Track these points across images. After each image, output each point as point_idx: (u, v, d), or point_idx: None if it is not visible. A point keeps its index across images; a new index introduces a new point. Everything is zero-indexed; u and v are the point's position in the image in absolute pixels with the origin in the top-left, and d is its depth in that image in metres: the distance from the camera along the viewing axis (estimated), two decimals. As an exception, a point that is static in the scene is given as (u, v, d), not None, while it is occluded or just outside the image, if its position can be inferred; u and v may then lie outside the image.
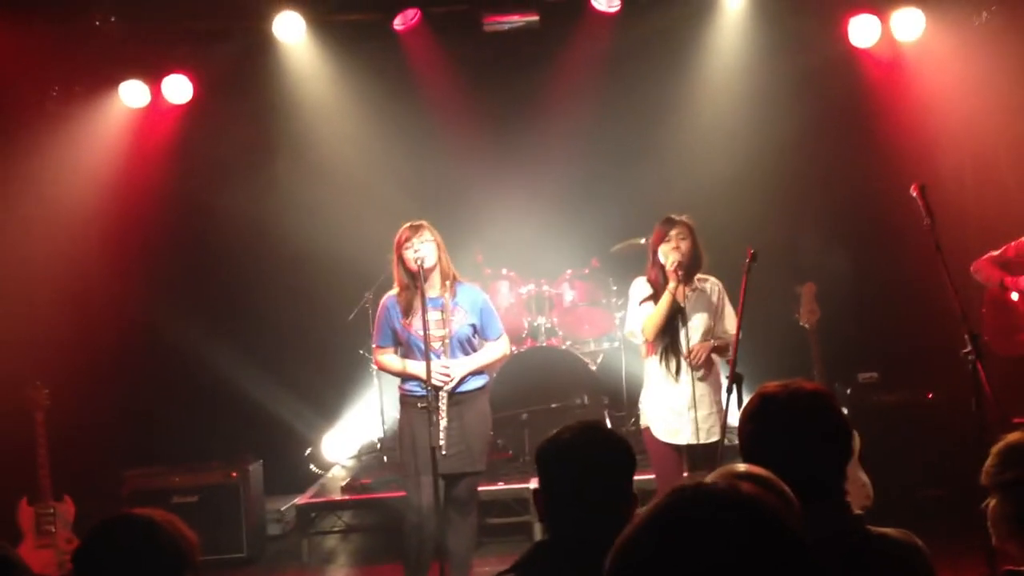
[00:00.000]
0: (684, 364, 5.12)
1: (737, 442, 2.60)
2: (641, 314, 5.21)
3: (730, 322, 5.24)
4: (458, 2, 7.67)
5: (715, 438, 5.12)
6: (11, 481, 6.64)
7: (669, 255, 5.09)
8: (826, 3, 7.27)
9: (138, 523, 2.21)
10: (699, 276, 5.23)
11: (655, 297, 5.19)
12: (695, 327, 5.16)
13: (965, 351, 4.13)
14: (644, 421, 5.28)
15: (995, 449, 2.62)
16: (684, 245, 5.11)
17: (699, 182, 7.43)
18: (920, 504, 5.77)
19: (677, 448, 5.15)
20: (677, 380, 5.14)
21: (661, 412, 5.18)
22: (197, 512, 6.38)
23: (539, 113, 7.93)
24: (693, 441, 5.11)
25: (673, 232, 5.13)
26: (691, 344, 5.12)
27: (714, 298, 5.26)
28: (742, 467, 2.11)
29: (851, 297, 7.30)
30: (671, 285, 5.07)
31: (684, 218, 5.19)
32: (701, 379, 5.15)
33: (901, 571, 2.37)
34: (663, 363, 5.18)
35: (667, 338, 5.15)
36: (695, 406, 5.09)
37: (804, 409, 2.47)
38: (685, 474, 5.20)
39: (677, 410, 5.13)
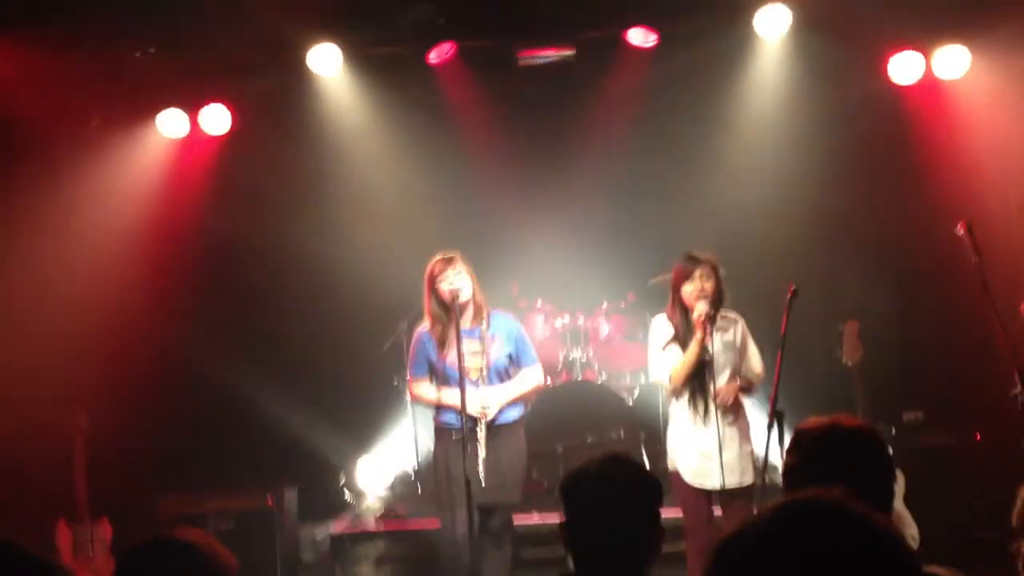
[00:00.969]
0: (712, 407, 4.96)
1: (779, 480, 2.57)
2: (667, 361, 5.07)
3: (755, 360, 5.15)
4: (493, 36, 7.69)
5: (748, 481, 4.99)
6: (51, 503, 6.69)
7: (697, 304, 4.92)
8: (867, 39, 7.20)
9: (178, 545, 2.20)
10: (720, 313, 5.07)
11: (678, 339, 5.04)
12: (721, 368, 5.03)
13: (1015, 391, 4.05)
14: (672, 465, 5.13)
15: (1022, 492, 2.61)
16: (708, 286, 4.95)
17: (738, 216, 7.39)
18: (967, 546, 5.63)
19: (706, 493, 5.01)
20: (706, 424, 4.98)
21: (689, 456, 5.03)
22: (232, 538, 6.35)
23: (575, 146, 7.94)
24: (728, 485, 4.94)
25: (697, 272, 4.96)
26: (718, 386, 4.97)
27: (738, 337, 5.13)
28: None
29: (895, 336, 7.21)
30: (698, 335, 4.91)
31: (708, 256, 5.03)
32: (730, 422, 5.02)
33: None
34: (691, 406, 5.03)
35: (695, 382, 5.01)
36: (724, 449, 4.93)
37: (847, 444, 2.44)
38: (717, 515, 5.11)
39: (706, 453, 4.97)
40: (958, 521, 5.96)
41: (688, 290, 4.98)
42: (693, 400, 5.03)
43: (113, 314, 7.42)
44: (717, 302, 5.00)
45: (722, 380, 5.02)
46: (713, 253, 5.07)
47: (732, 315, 5.16)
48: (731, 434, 5.01)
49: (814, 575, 1.23)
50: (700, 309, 4.90)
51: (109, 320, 7.36)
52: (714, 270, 4.99)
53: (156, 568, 2.17)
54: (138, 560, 2.20)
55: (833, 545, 1.24)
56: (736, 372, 5.10)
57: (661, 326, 5.14)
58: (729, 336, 5.10)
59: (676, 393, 5.09)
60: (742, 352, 5.13)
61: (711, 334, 4.96)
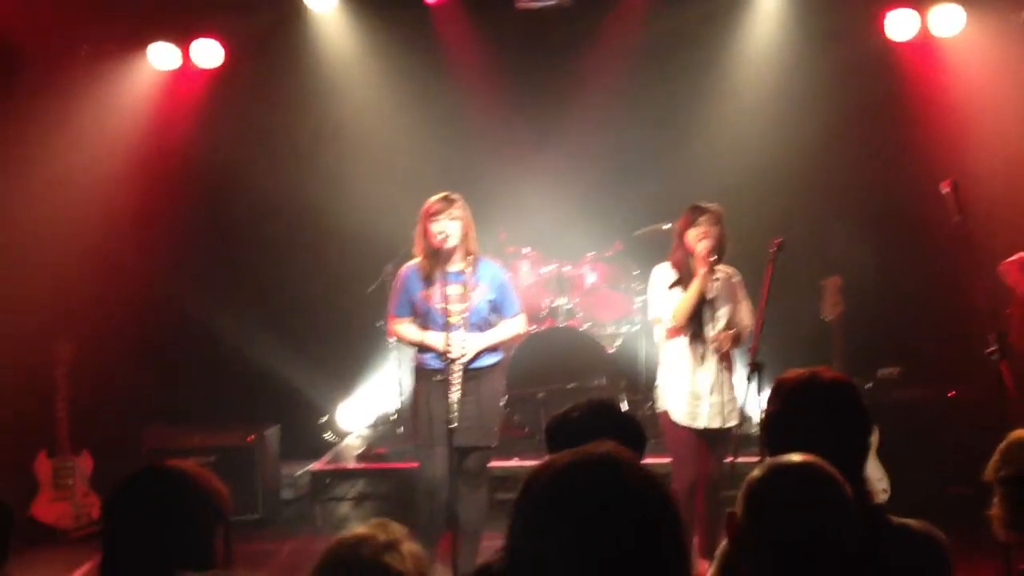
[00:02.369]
0: (708, 350, 5.18)
1: (755, 430, 2.63)
2: (670, 300, 5.22)
3: (745, 313, 5.31)
4: (493, -22, 7.63)
5: (732, 423, 5.21)
6: (32, 434, 6.73)
7: (701, 242, 5.09)
8: (864, -5, 7.19)
9: (172, 474, 2.23)
10: (720, 266, 5.24)
11: (681, 282, 5.21)
12: (719, 315, 5.22)
13: (990, 350, 4.11)
14: (662, 405, 5.32)
15: (1000, 447, 2.68)
16: (714, 232, 5.12)
17: (728, 171, 7.39)
18: (938, 501, 5.73)
19: (695, 431, 5.19)
20: (702, 365, 5.18)
21: (681, 396, 5.21)
22: (213, 472, 6.41)
23: (569, 95, 7.89)
24: (711, 425, 5.17)
25: (703, 219, 5.13)
26: (714, 331, 5.17)
27: (734, 288, 5.32)
28: (798, 457, 2.11)
29: (876, 292, 7.26)
30: (702, 271, 5.09)
31: (713, 206, 5.19)
32: (722, 368, 5.21)
33: (920, 560, 2.38)
34: (689, 348, 5.20)
35: (694, 324, 5.18)
36: (714, 392, 5.15)
37: (825, 396, 2.49)
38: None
39: (698, 395, 5.18)
40: (929, 476, 6.04)
41: (693, 235, 5.15)
42: (692, 342, 5.20)
43: (100, 246, 7.41)
44: (721, 246, 5.15)
45: (719, 326, 5.21)
46: (719, 204, 5.22)
47: (730, 269, 5.34)
48: (722, 379, 5.21)
49: (587, 511, 1.48)
50: (703, 246, 5.09)
51: (96, 252, 7.36)
52: (719, 219, 5.17)
53: (151, 496, 2.20)
54: (133, 489, 2.23)
55: (602, 488, 1.50)
56: (731, 322, 5.26)
57: (664, 271, 5.32)
58: (727, 286, 5.27)
59: (676, 332, 5.23)
60: (736, 303, 5.30)
61: (711, 276, 5.13)
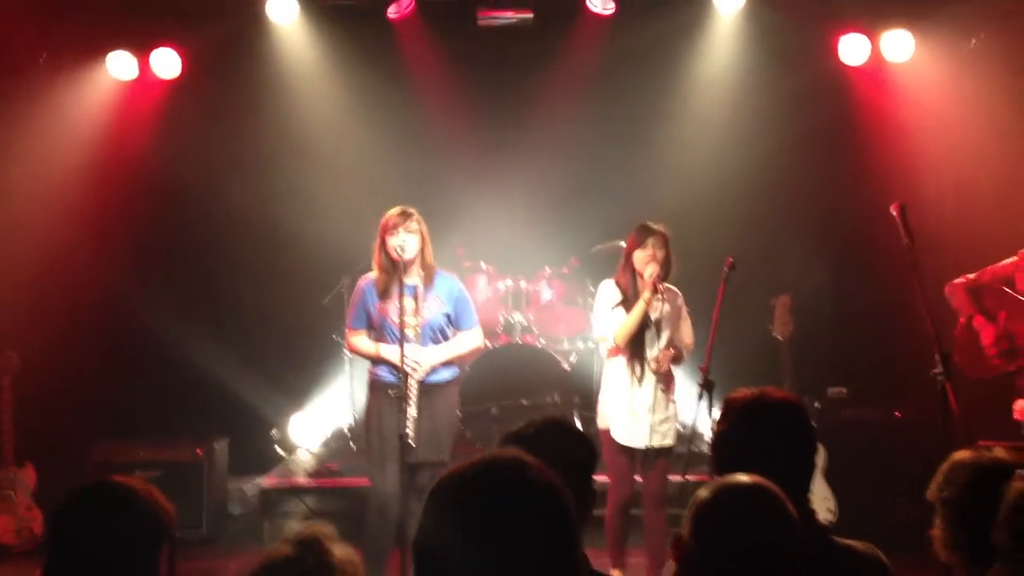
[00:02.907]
0: (647, 369, 5.24)
1: (707, 448, 2.66)
2: (613, 319, 5.28)
3: (686, 332, 5.40)
4: (454, -7, 7.66)
5: (669, 442, 5.26)
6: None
7: (648, 265, 5.17)
8: (818, 20, 7.33)
9: (118, 490, 2.20)
10: (663, 286, 5.29)
11: (625, 302, 5.27)
12: (662, 335, 5.30)
13: (935, 371, 4.18)
14: (602, 423, 5.35)
15: (942, 467, 2.72)
16: (660, 255, 5.20)
17: (684, 189, 7.47)
18: (883, 521, 5.80)
19: (631, 451, 5.25)
20: (640, 384, 5.24)
21: (620, 415, 5.26)
22: (160, 487, 6.27)
23: (528, 110, 7.93)
24: (648, 445, 5.21)
25: (650, 240, 5.21)
26: (655, 351, 5.25)
27: (676, 308, 5.39)
28: (745, 478, 2.13)
29: (826, 312, 7.36)
30: (646, 295, 5.17)
31: (661, 227, 5.26)
32: (661, 387, 5.27)
33: (864, 582, 2.40)
34: (628, 367, 5.26)
35: (635, 344, 5.25)
36: (653, 410, 5.19)
37: (773, 416, 2.52)
38: (637, 477, 5.36)
39: (637, 413, 5.22)
40: (876, 497, 6.11)
41: (640, 256, 5.22)
42: (631, 361, 5.26)
43: (51, 255, 7.31)
44: (666, 269, 5.23)
45: (660, 345, 5.27)
46: (665, 225, 5.28)
47: (674, 289, 5.40)
48: (661, 398, 5.25)
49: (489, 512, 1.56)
50: (651, 270, 5.15)
51: (46, 260, 7.26)
52: (665, 241, 5.23)
53: (96, 513, 2.17)
54: (78, 504, 2.19)
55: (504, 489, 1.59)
56: (671, 341, 5.32)
57: (609, 289, 5.37)
58: (669, 306, 5.31)
59: (617, 352, 5.29)
60: (677, 323, 5.36)
61: (658, 298, 5.18)
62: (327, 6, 7.59)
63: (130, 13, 7.40)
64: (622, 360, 5.29)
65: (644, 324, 5.23)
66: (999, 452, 2.85)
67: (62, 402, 7.19)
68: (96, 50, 7.47)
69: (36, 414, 6.80)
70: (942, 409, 4.12)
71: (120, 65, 7.51)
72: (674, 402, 5.34)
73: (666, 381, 5.31)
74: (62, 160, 7.42)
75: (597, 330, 5.43)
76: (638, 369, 5.25)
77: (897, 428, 6.49)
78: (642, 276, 5.20)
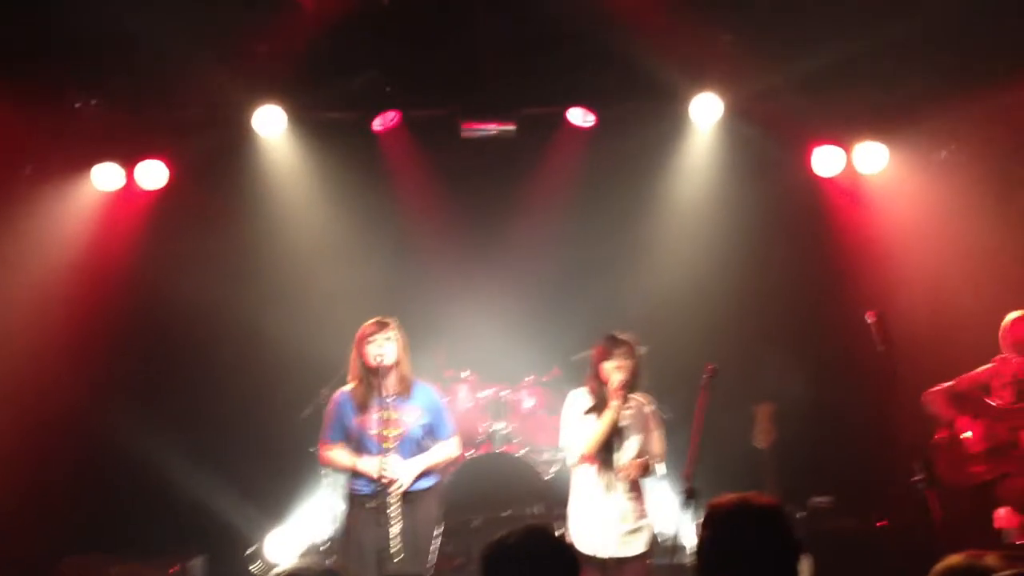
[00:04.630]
0: (616, 479, 5.22)
1: (690, 559, 2.66)
2: (582, 428, 5.28)
3: (656, 442, 5.38)
4: (438, 107, 7.83)
5: (640, 550, 5.20)
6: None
7: (613, 374, 5.21)
8: (793, 132, 7.50)
9: None
10: (633, 395, 5.34)
11: (595, 409, 5.29)
12: (629, 444, 5.29)
13: (915, 479, 4.17)
14: (569, 536, 5.29)
15: (933, 570, 2.68)
16: (627, 364, 5.23)
17: (663, 296, 7.54)
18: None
19: (600, 561, 5.15)
20: (608, 495, 5.21)
21: (588, 525, 5.21)
22: None
23: (511, 220, 8.04)
24: (618, 554, 5.15)
25: (617, 352, 5.26)
26: (624, 460, 5.23)
27: (646, 418, 5.39)
28: None
29: (808, 419, 7.33)
30: (614, 404, 5.19)
31: (627, 337, 5.31)
32: (630, 497, 5.24)
33: None
34: (597, 476, 5.24)
35: (603, 453, 5.25)
36: (621, 520, 5.17)
37: (755, 522, 2.52)
38: None
39: (606, 523, 5.16)
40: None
41: (607, 367, 5.26)
42: (600, 470, 5.24)
43: (27, 365, 7.24)
44: (634, 378, 5.25)
45: (628, 455, 5.25)
46: (634, 335, 5.34)
47: (644, 398, 5.42)
48: (630, 508, 5.22)
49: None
50: (617, 378, 5.19)
51: (22, 371, 7.18)
52: (632, 351, 5.28)
53: None
54: None
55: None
56: (642, 451, 5.31)
57: (578, 398, 5.40)
58: (639, 416, 5.34)
59: (585, 461, 5.27)
60: (646, 433, 5.35)
61: (624, 407, 5.21)
62: (314, 119, 7.74)
63: (117, 126, 7.50)
64: (591, 469, 5.27)
65: (612, 432, 5.23)
66: (991, 559, 2.80)
67: (35, 518, 7.03)
68: (82, 162, 7.54)
69: (9, 530, 6.65)
70: (924, 517, 4.10)
71: (106, 176, 7.57)
72: (646, 514, 5.28)
73: (636, 491, 5.28)
74: (44, 270, 7.42)
75: (563, 440, 5.41)
76: (605, 478, 5.22)
77: (881, 537, 6.44)
78: (609, 387, 5.22)
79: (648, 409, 5.41)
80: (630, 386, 5.23)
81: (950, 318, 7.10)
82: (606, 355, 5.28)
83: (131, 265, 7.77)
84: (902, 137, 7.37)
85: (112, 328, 7.81)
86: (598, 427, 5.21)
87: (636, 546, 5.18)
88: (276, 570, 7.24)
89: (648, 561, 5.28)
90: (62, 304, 7.55)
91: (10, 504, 6.75)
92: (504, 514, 6.79)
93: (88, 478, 7.60)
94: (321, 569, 1.88)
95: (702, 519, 2.64)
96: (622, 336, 5.30)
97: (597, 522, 5.18)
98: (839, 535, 6.42)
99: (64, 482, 7.44)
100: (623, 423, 5.25)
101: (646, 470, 5.30)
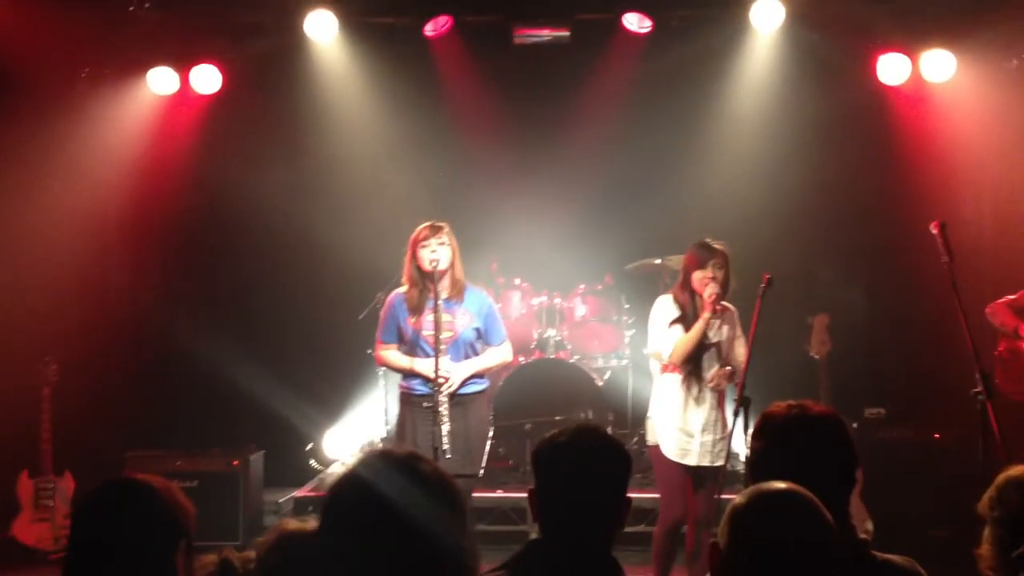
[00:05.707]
0: (705, 389, 5.14)
1: (740, 468, 2.62)
2: (670, 337, 5.17)
3: (740, 350, 5.25)
4: (490, 12, 7.71)
5: (720, 462, 5.13)
6: (15, 454, 6.68)
7: (708, 286, 5.04)
8: (857, 39, 7.28)
9: (137, 487, 2.23)
10: (722, 305, 5.20)
11: (683, 320, 5.16)
12: (717, 355, 5.18)
13: (975, 391, 4.12)
14: (653, 438, 5.25)
15: (996, 482, 2.64)
16: (720, 275, 5.07)
17: (719, 207, 7.43)
18: (921, 542, 5.73)
19: (685, 468, 5.14)
20: (698, 404, 5.14)
21: (674, 432, 5.15)
22: (195, 497, 6.08)
23: (564, 128, 7.94)
24: (701, 463, 5.11)
25: (711, 261, 5.07)
26: (712, 370, 5.14)
27: (733, 327, 5.28)
28: (780, 484, 2.10)
29: (864, 331, 7.29)
30: (706, 315, 5.04)
31: (721, 247, 5.13)
32: (714, 406, 5.17)
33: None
34: (684, 386, 5.16)
35: (692, 363, 5.15)
36: (705, 431, 5.11)
37: (812, 429, 2.48)
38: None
39: (691, 432, 5.12)
40: (913, 517, 6.05)
41: (699, 276, 5.09)
42: (688, 380, 5.15)
43: (90, 269, 7.41)
44: (725, 288, 5.12)
45: (716, 366, 5.17)
46: (726, 244, 5.17)
47: (731, 308, 5.30)
48: (714, 417, 5.16)
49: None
50: (712, 290, 5.02)
51: (87, 273, 7.35)
52: (726, 261, 5.12)
53: (117, 508, 2.20)
54: (100, 500, 2.23)
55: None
56: (727, 359, 5.22)
57: (667, 306, 5.23)
58: (727, 325, 5.23)
59: (673, 368, 5.18)
60: (732, 341, 5.27)
61: (717, 319, 5.11)
62: (365, 23, 7.66)
63: (171, 30, 7.50)
64: (676, 378, 5.17)
65: (702, 345, 5.13)
66: None
67: (100, 413, 7.26)
68: (137, 66, 7.56)
69: (75, 424, 6.87)
70: (982, 430, 4.06)
71: (161, 80, 7.60)
72: (727, 422, 5.20)
73: (720, 401, 5.22)
74: (103, 174, 7.53)
75: (651, 345, 5.31)
76: (695, 389, 5.14)
77: (935, 449, 6.41)
78: (701, 295, 5.08)
79: (734, 317, 5.28)
80: (722, 297, 5.08)
81: (1015, 230, 6.95)
82: (698, 264, 5.08)
83: (188, 169, 7.85)
84: (970, 45, 7.11)
85: (170, 231, 7.95)
86: (688, 338, 5.07)
87: (719, 459, 5.11)
88: (355, 453, 7.52)
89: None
90: (121, 208, 7.67)
91: (78, 402, 6.95)
92: (556, 418, 6.87)
93: (151, 378, 7.82)
94: (406, 452, 1.92)
95: (755, 427, 2.60)
96: (716, 244, 5.12)
97: (683, 431, 5.11)
98: (891, 447, 6.41)
99: (128, 381, 7.67)
100: (713, 336, 5.13)
101: (731, 378, 5.21)
